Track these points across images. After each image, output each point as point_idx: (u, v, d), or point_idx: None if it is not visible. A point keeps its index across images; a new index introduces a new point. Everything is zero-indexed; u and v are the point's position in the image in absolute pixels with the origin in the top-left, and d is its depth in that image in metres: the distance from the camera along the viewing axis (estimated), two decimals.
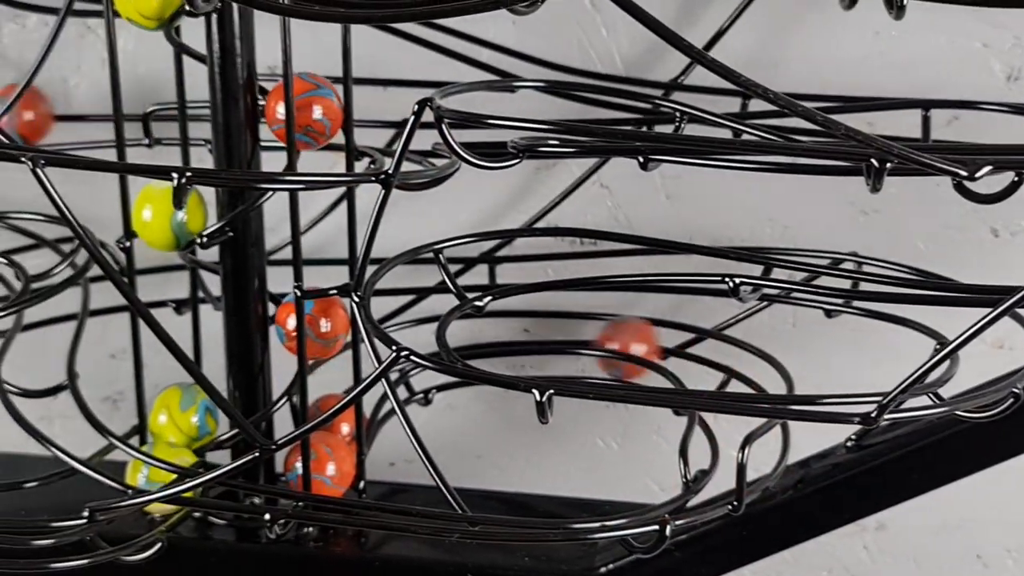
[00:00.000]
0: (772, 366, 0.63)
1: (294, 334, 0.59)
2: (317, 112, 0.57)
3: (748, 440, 0.54)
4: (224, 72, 0.58)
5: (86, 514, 0.53)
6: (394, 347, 0.51)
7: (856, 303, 0.63)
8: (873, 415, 0.47)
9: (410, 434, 0.54)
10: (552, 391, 0.48)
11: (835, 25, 0.67)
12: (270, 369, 0.64)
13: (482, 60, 0.68)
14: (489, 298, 0.58)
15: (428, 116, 0.51)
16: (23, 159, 0.50)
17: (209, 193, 0.61)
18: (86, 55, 0.75)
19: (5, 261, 0.63)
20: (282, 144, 0.58)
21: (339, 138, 0.60)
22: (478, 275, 0.72)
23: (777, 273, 0.62)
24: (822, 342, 0.73)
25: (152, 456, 0.59)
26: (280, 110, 0.57)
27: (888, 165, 0.45)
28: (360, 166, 0.62)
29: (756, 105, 0.66)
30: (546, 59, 0.69)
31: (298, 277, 0.59)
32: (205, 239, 0.58)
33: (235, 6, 0.56)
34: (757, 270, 0.63)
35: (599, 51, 0.70)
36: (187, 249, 0.61)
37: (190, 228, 0.60)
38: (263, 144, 0.60)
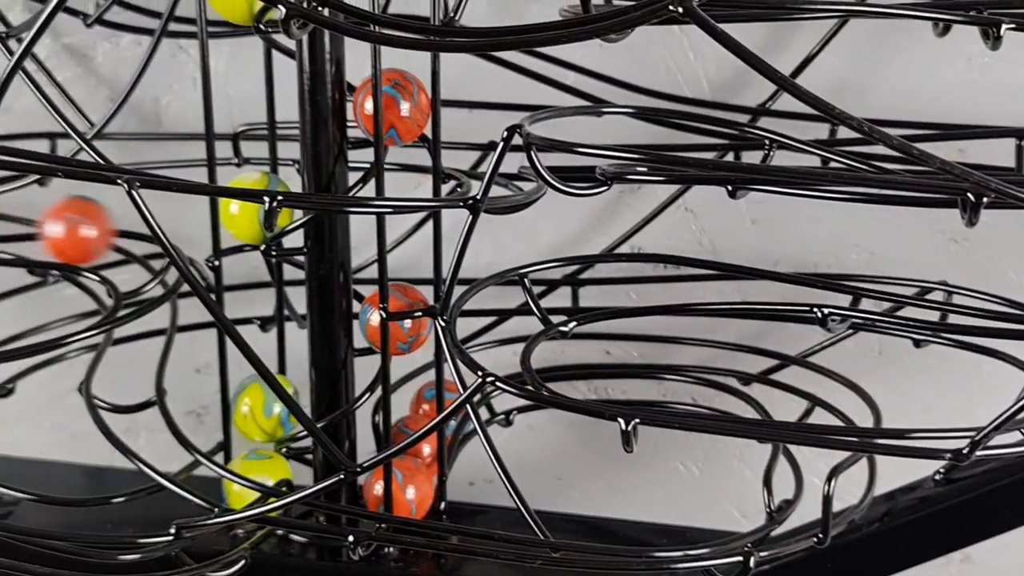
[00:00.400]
0: (858, 395, 0.62)
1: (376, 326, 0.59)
2: (404, 109, 0.57)
3: (835, 472, 0.53)
4: (314, 94, 0.59)
5: (173, 531, 0.54)
6: (479, 372, 0.51)
7: (945, 333, 0.62)
8: (965, 451, 0.46)
9: (492, 457, 0.54)
10: (638, 420, 0.48)
11: (927, 51, 0.67)
12: (354, 386, 0.64)
13: (568, 83, 0.68)
14: (574, 324, 0.58)
15: (516, 139, 0.51)
16: (119, 181, 0.51)
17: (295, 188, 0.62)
18: (178, 74, 0.76)
19: (97, 278, 0.64)
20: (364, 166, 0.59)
21: (426, 159, 0.61)
22: (561, 296, 0.72)
23: (864, 302, 0.61)
24: (909, 371, 0.72)
25: (237, 474, 0.59)
26: (368, 107, 0.57)
27: (985, 200, 0.44)
28: (446, 188, 0.63)
29: (846, 131, 0.66)
30: (633, 83, 0.68)
31: (384, 299, 0.59)
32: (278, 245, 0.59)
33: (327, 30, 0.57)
34: (840, 298, 0.63)
35: (686, 75, 0.70)
36: (272, 242, 0.61)
37: (279, 222, 0.60)
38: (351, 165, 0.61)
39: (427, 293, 0.62)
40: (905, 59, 0.67)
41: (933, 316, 0.62)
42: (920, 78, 0.68)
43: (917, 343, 0.62)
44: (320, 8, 0.48)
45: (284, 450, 0.63)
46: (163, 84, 0.76)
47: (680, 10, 0.43)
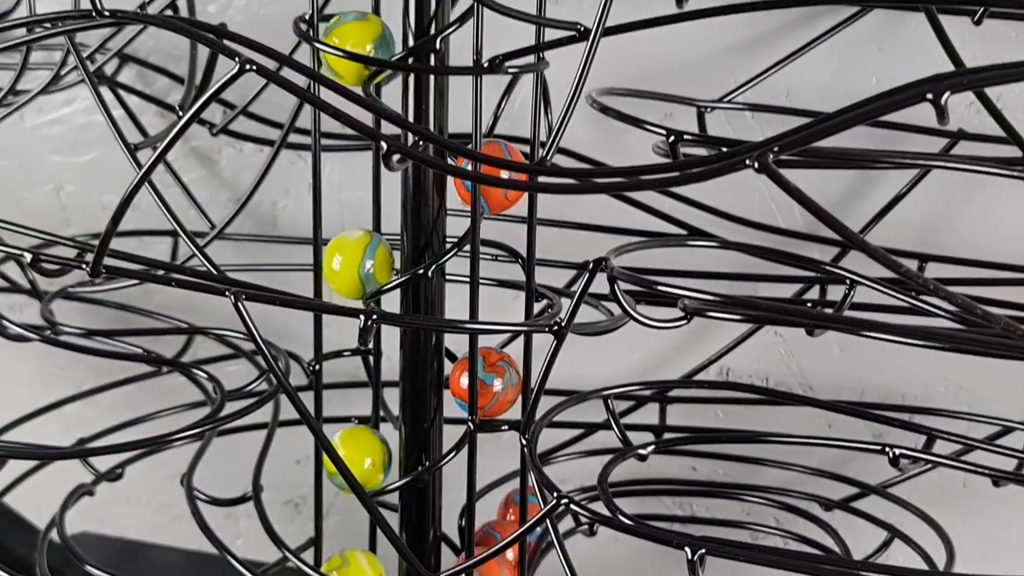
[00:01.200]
0: (935, 531, 0.63)
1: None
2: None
3: None
4: (417, 207, 0.62)
5: None
6: (555, 494, 0.54)
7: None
8: None
9: (568, 572, 0.56)
10: (703, 551, 0.49)
11: (1017, 186, 0.68)
12: (441, 485, 0.66)
13: (663, 210, 0.70)
14: (652, 448, 0.60)
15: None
16: (226, 293, 0.54)
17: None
18: (295, 180, 0.80)
19: (204, 375, 0.67)
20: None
21: (519, 275, 0.63)
22: (649, 412, 0.74)
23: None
24: (994, 507, 0.72)
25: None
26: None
27: None
28: (538, 307, 0.65)
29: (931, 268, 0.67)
30: (727, 211, 0.70)
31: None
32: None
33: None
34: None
35: (779, 204, 0.72)
36: (371, 299, 0.62)
37: (377, 279, 0.62)
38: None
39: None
40: (994, 195, 0.68)
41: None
42: (1007, 218, 0.68)
43: (996, 482, 0.63)
44: (419, 146, 0.51)
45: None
46: (280, 189, 0.80)
47: (756, 165, 0.45)
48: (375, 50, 0.57)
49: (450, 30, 0.57)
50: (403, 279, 0.61)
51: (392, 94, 0.58)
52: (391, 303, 0.63)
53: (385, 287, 0.61)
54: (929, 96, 0.43)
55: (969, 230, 0.68)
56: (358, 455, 0.63)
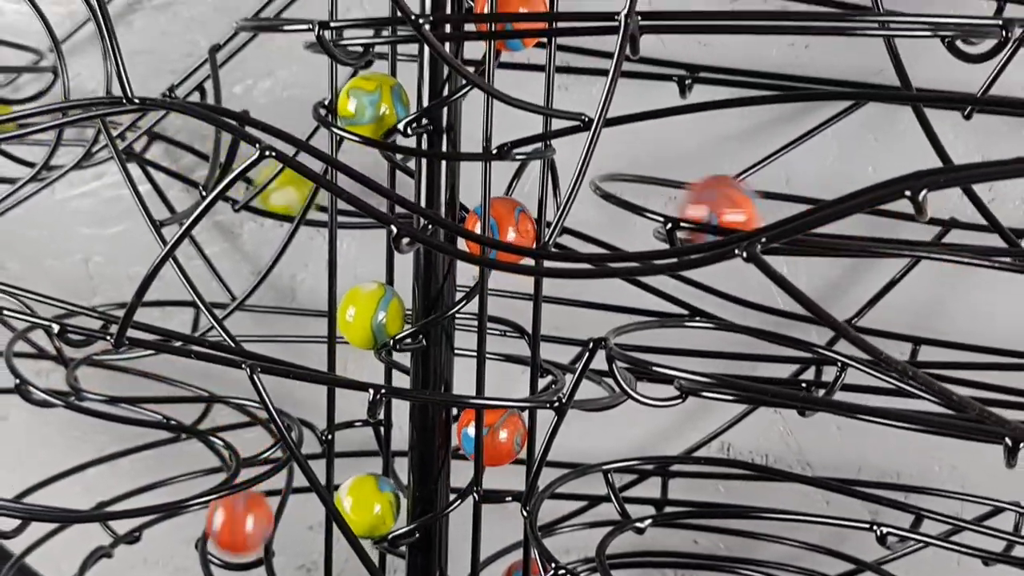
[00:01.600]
0: None
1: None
2: (510, 235, 0.61)
3: None
4: (427, 281, 0.64)
5: None
6: (553, 563, 0.56)
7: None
8: None
9: None
10: None
11: (1007, 279, 0.70)
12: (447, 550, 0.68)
13: (666, 291, 0.72)
14: (649, 521, 0.62)
15: None
16: (243, 366, 0.57)
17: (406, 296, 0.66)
18: (313, 255, 0.83)
19: (221, 442, 0.70)
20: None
21: (524, 350, 0.66)
22: (652, 485, 0.75)
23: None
24: None
25: None
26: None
27: (1022, 445, 0.47)
28: (543, 382, 0.68)
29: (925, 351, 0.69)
30: (727, 292, 0.73)
31: (478, 481, 0.64)
32: (397, 344, 0.63)
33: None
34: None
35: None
36: (383, 349, 0.64)
37: (388, 330, 0.64)
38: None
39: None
40: (985, 281, 0.71)
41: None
42: (1002, 301, 0.71)
43: (986, 562, 0.65)
44: (429, 231, 0.54)
45: None
46: (299, 263, 0.83)
47: (744, 255, 0.48)
48: (392, 107, 0.60)
49: (457, 94, 0.59)
50: (413, 330, 0.63)
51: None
52: (402, 376, 0.65)
53: (396, 338, 0.63)
54: (908, 193, 0.45)
55: (962, 315, 0.71)
56: (367, 500, 0.65)
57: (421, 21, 0.53)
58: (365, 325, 0.63)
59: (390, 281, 0.68)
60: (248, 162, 0.52)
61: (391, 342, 0.63)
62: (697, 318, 0.70)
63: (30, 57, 0.81)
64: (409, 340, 0.63)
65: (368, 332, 0.63)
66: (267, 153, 0.52)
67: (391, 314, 0.63)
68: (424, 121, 0.60)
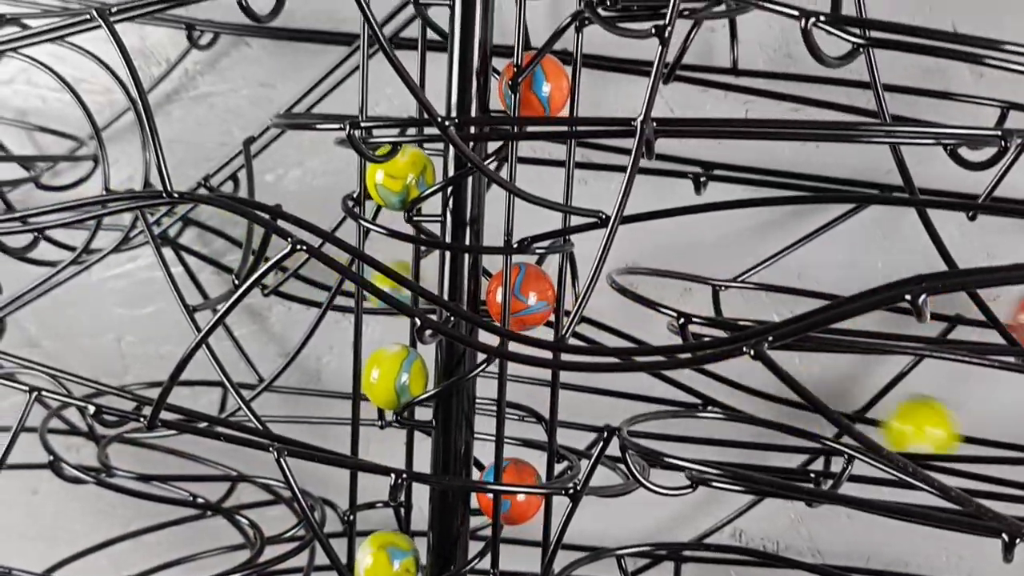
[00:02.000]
0: None
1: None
2: (532, 298, 0.63)
3: None
4: (449, 351, 0.66)
5: None
6: None
7: None
8: None
9: None
10: None
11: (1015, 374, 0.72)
12: None
13: (679, 380, 0.74)
14: None
15: None
16: (270, 449, 0.59)
17: (430, 359, 0.67)
18: (339, 338, 0.85)
19: (246, 520, 0.72)
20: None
21: (541, 434, 0.68)
22: (665, 570, 0.77)
23: None
24: None
25: None
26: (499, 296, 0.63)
27: (1018, 541, 0.49)
28: (559, 467, 0.69)
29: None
30: (740, 382, 0.75)
31: (495, 563, 0.66)
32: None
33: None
34: None
35: None
36: (405, 409, 0.66)
37: (411, 391, 0.65)
38: None
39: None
40: (991, 376, 0.71)
41: None
42: (1010, 395, 0.72)
43: None
44: (450, 323, 0.56)
45: None
46: (325, 345, 0.85)
47: (752, 353, 0.50)
48: (416, 179, 0.62)
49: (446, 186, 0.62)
50: (436, 391, 0.65)
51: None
52: (424, 458, 0.67)
53: (418, 398, 0.65)
54: (907, 297, 0.47)
55: (967, 407, 0.72)
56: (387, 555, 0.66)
57: (447, 123, 0.56)
58: (389, 386, 0.65)
59: (413, 345, 0.71)
60: (280, 255, 0.55)
61: (414, 402, 0.64)
62: (709, 408, 0.72)
63: (70, 144, 0.84)
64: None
65: (391, 393, 0.65)
66: (297, 247, 0.55)
67: (414, 375, 0.65)
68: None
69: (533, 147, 0.77)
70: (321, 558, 0.74)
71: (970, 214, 0.65)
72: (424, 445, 0.71)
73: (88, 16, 0.60)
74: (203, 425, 0.63)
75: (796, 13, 0.49)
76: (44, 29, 0.63)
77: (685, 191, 0.74)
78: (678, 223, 0.70)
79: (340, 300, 0.77)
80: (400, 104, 0.80)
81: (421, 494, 0.68)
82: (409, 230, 0.63)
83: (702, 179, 0.74)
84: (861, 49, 0.51)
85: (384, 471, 0.59)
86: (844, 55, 0.51)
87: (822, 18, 0.50)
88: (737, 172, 0.74)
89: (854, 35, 0.50)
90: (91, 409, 0.62)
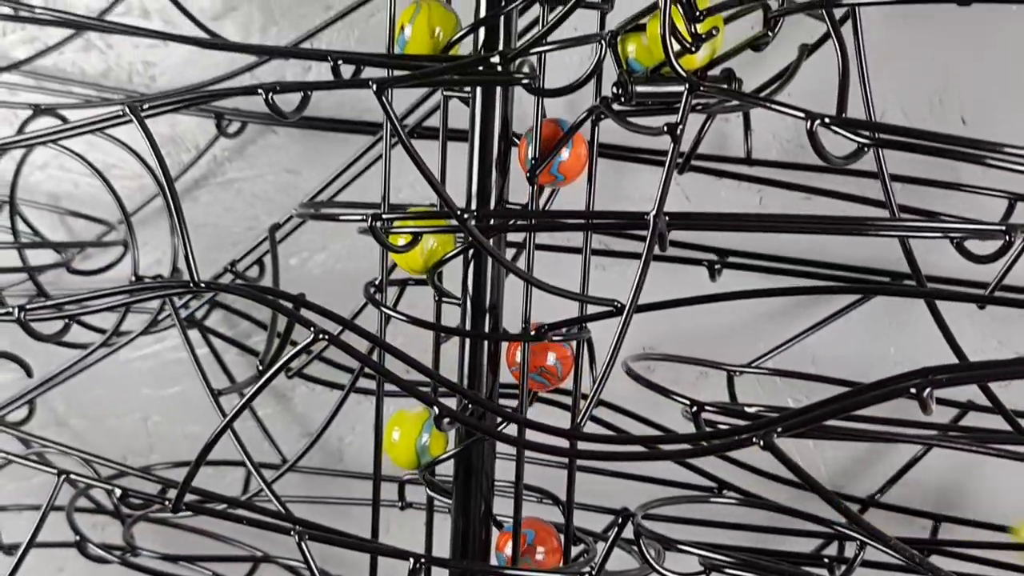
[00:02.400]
0: None
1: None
2: (551, 358, 0.65)
3: None
4: (466, 457, 0.68)
5: None
6: None
7: None
8: None
9: None
10: None
11: None
12: None
13: (693, 462, 0.75)
14: None
15: None
16: (291, 533, 0.60)
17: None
18: (361, 419, 0.87)
19: None
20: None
21: (558, 516, 0.69)
22: None
23: None
24: None
25: None
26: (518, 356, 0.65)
27: None
28: (576, 550, 0.70)
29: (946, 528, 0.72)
30: (755, 465, 0.76)
31: None
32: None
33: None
34: None
35: (805, 459, 0.77)
36: (426, 469, 0.67)
37: (432, 452, 0.67)
38: None
39: None
40: (1000, 464, 0.72)
41: None
42: (1018, 480, 0.73)
43: None
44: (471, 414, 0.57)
45: None
46: (347, 426, 0.87)
47: (761, 443, 0.51)
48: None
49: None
50: (455, 451, 0.66)
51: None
52: (443, 542, 0.69)
53: (439, 459, 0.66)
54: (913, 391, 0.48)
55: (979, 493, 0.73)
56: None
57: (466, 217, 0.58)
58: (410, 446, 0.66)
59: None
60: (302, 344, 0.57)
61: (435, 462, 0.66)
62: (724, 493, 0.73)
63: (100, 228, 0.86)
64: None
65: (413, 454, 0.66)
66: (320, 337, 0.56)
67: (435, 435, 0.66)
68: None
69: (552, 234, 0.79)
70: None
71: (979, 305, 0.66)
72: (444, 525, 0.72)
73: (121, 112, 0.62)
74: (225, 507, 0.64)
75: (802, 115, 0.51)
76: (80, 123, 0.65)
77: (700, 277, 0.76)
78: (692, 309, 0.72)
79: (362, 382, 0.78)
80: (423, 192, 0.82)
81: (441, 574, 0.69)
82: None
83: (717, 266, 0.75)
84: (867, 148, 0.52)
85: (403, 555, 0.60)
86: (850, 154, 0.53)
87: (827, 120, 0.51)
88: (751, 259, 0.76)
89: (860, 135, 0.52)
90: (117, 492, 0.63)
